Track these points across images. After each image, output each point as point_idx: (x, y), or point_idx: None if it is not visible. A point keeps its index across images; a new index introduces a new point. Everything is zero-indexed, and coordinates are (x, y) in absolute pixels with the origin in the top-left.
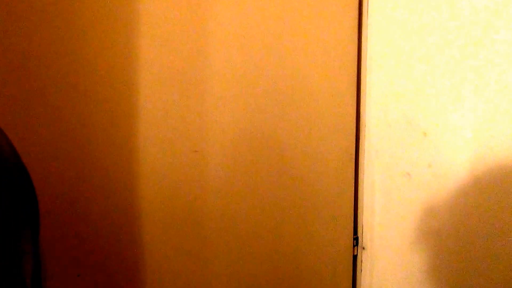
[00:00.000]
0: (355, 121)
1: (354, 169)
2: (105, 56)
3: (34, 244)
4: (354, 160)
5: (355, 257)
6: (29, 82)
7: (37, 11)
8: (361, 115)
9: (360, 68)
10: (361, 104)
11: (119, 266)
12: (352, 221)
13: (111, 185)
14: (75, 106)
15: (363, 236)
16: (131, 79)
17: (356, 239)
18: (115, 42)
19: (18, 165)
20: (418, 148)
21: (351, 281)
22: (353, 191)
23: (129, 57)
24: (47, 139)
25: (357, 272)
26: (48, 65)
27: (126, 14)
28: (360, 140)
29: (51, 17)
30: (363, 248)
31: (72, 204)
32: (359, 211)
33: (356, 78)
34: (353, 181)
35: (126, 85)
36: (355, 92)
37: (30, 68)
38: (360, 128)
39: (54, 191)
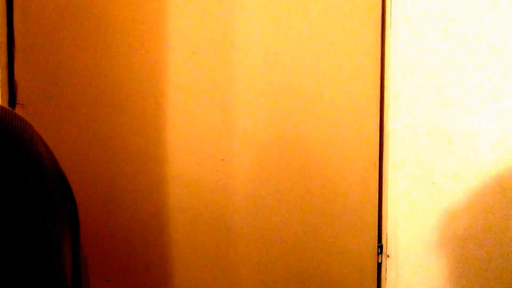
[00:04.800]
0: (378, 129)
1: (378, 177)
2: (136, 68)
3: (74, 246)
4: (378, 169)
5: (379, 265)
6: (67, 94)
7: (74, 28)
8: (384, 124)
9: (384, 76)
10: (384, 112)
11: (149, 271)
12: (377, 229)
13: (141, 192)
14: (107, 115)
15: (388, 244)
16: (160, 90)
17: (380, 247)
18: (145, 55)
19: (56, 169)
20: (443, 157)
21: None
22: (377, 199)
23: (158, 69)
24: (81, 147)
25: (382, 280)
26: (83, 77)
27: (156, 28)
28: (384, 149)
29: (87, 32)
30: (388, 256)
31: (102, 210)
32: (383, 219)
33: (380, 86)
34: (377, 189)
35: (156, 96)
36: (379, 100)
37: (68, 80)
38: (384, 137)
39: (85, 198)
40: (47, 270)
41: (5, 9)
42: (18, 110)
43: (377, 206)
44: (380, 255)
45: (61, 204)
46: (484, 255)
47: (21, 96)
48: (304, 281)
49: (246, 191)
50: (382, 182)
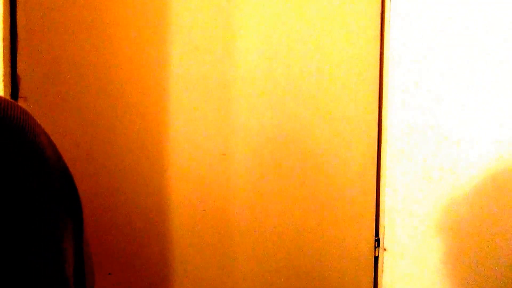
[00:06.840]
0: (377, 125)
1: (376, 172)
2: (138, 63)
3: (77, 242)
4: (376, 163)
5: (376, 258)
6: (69, 88)
7: (77, 23)
8: (383, 119)
9: (383, 72)
10: (383, 108)
11: (149, 265)
12: (374, 223)
13: (143, 186)
14: (109, 110)
15: (385, 237)
16: (162, 85)
17: (377, 240)
18: (147, 50)
19: (60, 163)
20: (440, 152)
21: (372, 282)
22: (374, 193)
23: (160, 64)
24: (83, 141)
25: (378, 273)
26: (85, 72)
27: (158, 24)
28: (382, 144)
29: (89, 27)
30: (385, 250)
31: (103, 203)
32: (380, 213)
33: (378, 82)
34: (375, 183)
35: (157, 91)
36: (378, 96)
37: (70, 74)
38: (382, 132)
39: (87, 191)
40: (47, 270)
41: (9, 3)
42: (20, 104)
43: (375, 200)
44: (377, 249)
45: (65, 199)
46: (480, 248)
47: (23, 89)
48: (302, 274)
49: (246, 186)
50: (379, 177)
